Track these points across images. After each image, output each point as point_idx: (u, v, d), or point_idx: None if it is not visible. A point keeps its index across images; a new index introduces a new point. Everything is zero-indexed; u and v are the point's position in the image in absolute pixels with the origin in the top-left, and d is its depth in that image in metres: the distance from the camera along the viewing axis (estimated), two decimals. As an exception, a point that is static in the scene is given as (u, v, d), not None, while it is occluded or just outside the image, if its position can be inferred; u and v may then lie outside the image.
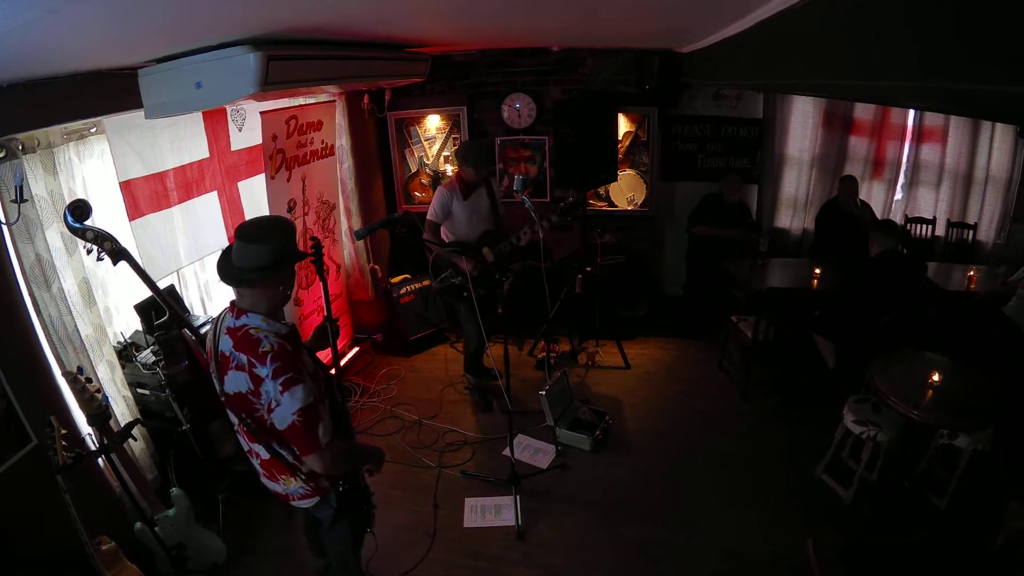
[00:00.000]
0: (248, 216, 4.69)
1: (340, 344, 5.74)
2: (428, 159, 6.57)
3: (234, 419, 2.35)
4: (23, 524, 2.91)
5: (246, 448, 2.45)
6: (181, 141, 4.02)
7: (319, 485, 2.47)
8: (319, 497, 2.51)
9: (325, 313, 2.82)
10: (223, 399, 2.36)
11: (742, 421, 4.88)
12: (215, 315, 2.66)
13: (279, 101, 4.64)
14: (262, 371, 2.17)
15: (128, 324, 4.04)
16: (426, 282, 5.83)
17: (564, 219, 4.86)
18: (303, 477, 2.41)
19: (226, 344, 2.26)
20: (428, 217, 4.63)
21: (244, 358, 2.20)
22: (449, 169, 6.55)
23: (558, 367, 5.37)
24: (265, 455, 2.35)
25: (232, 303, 2.33)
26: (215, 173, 4.38)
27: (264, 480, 2.53)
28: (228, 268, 2.27)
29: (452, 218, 4.66)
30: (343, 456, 2.41)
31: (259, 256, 2.20)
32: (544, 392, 4.64)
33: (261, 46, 2.69)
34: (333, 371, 2.73)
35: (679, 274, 6.65)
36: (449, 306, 5.16)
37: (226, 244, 3.19)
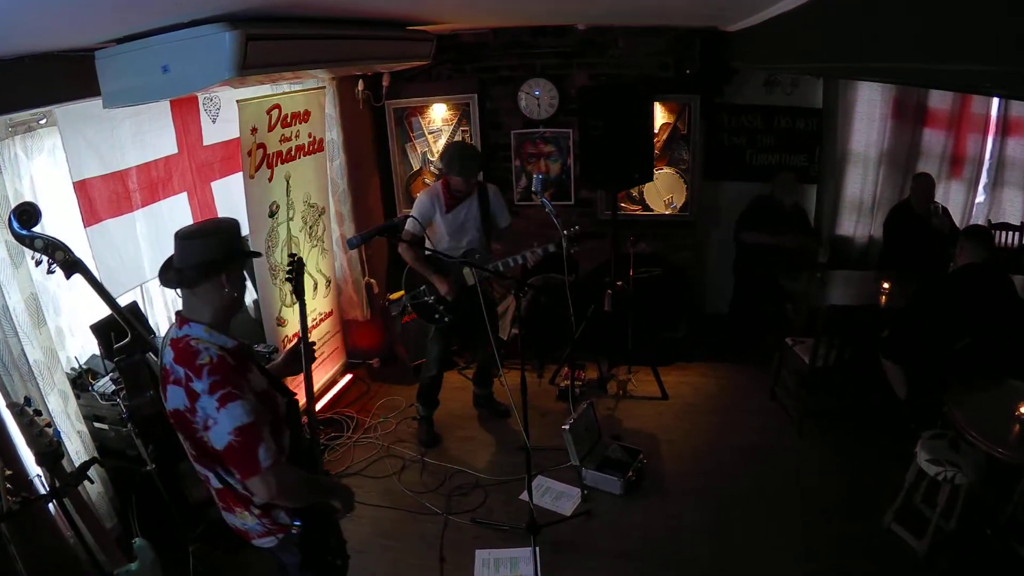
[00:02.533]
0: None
1: (329, 367, 5.77)
2: (432, 155, 6.56)
3: (184, 443, 2.41)
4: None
5: (201, 476, 2.49)
6: (145, 134, 4.02)
7: (276, 521, 2.49)
8: (278, 537, 2.53)
9: (300, 334, 2.86)
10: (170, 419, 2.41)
11: (798, 460, 4.82)
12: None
13: (259, 88, 4.64)
14: (198, 386, 2.22)
15: (83, 347, 4.03)
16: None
17: (569, 247, 4.63)
18: (257, 511, 2.44)
19: (168, 356, 2.32)
20: (407, 227, 4.63)
21: (182, 372, 2.25)
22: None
23: (584, 398, 5.33)
24: (216, 483, 2.42)
25: (178, 312, 2.40)
26: (185, 172, 4.38)
27: (224, 513, 2.58)
28: (169, 270, 2.36)
29: (433, 229, 4.70)
30: (296, 484, 2.41)
31: (197, 252, 2.29)
32: (568, 427, 4.60)
33: (239, 23, 2.66)
34: (303, 400, 2.76)
35: (725, 289, 6.62)
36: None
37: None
